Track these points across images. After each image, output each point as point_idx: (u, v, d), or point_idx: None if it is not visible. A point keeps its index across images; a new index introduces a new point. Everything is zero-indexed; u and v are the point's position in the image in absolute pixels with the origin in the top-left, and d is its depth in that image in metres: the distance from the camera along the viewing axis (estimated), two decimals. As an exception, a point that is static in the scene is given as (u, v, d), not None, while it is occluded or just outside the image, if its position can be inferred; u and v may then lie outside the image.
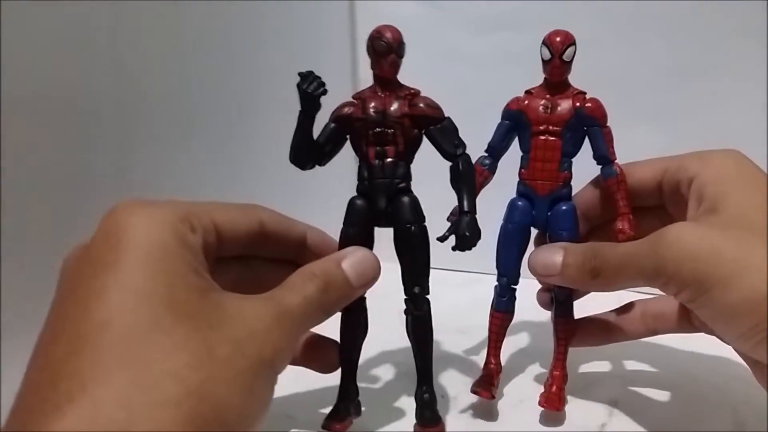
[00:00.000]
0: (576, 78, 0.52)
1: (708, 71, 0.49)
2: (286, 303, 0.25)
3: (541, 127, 0.34)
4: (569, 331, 0.36)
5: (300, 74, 0.30)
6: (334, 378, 0.33)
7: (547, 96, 0.34)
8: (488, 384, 0.35)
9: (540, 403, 0.34)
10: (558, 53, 0.33)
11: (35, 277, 0.32)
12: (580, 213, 0.35)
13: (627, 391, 0.38)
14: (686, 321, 0.35)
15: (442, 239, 0.31)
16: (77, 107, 0.34)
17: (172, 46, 0.40)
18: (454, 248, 0.31)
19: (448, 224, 0.32)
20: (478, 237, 0.31)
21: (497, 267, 0.35)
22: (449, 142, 0.31)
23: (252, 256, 0.31)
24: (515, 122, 0.34)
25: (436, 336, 0.34)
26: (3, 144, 0.30)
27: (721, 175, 0.30)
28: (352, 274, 0.28)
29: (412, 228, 0.31)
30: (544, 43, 0.33)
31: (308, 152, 0.31)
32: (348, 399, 0.32)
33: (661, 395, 0.37)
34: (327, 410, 0.33)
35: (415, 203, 0.32)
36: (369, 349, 0.34)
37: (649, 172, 0.35)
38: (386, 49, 0.31)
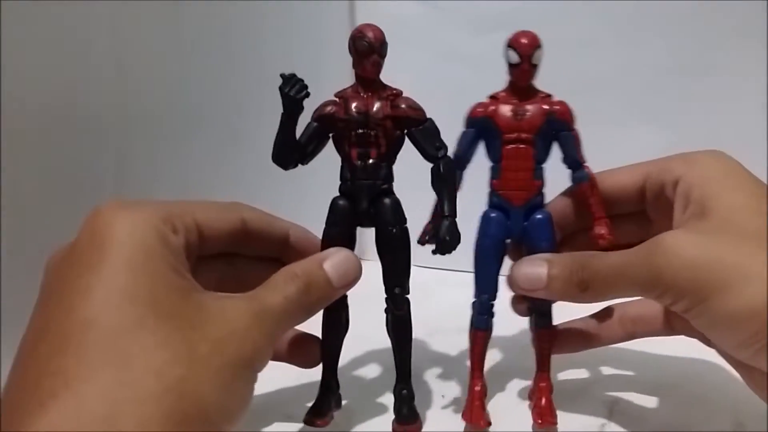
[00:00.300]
0: (576, 78, 0.52)
1: (708, 71, 0.49)
2: (267, 303, 0.26)
3: (513, 135, 0.32)
4: (552, 341, 0.35)
5: (282, 76, 0.30)
6: (316, 370, 0.34)
7: (515, 101, 0.33)
8: (480, 409, 0.34)
9: (535, 420, 0.34)
10: (527, 56, 0.32)
11: (35, 278, 0.32)
12: (554, 222, 0.34)
13: (627, 391, 0.37)
14: (666, 324, 0.35)
15: (421, 242, 0.32)
16: (76, 109, 0.34)
17: (172, 46, 0.40)
18: (434, 252, 0.31)
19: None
20: (458, 241, 0.31)
21: (476, 284, 0.34)
22: (431, 144, 0.31)
23: (235, 254, 0.31)
24: (481, 130, 0.33)
25: (436, 336, 0.34)
26: (3, 145, 0.30)
27: (708, 177, 0.30)
28: (334, 274, 0.29)
29: (394, 230, 0.31)
30: (510, 46, 0.32)
31: (291, 152, 0.31)
32: (329, 393, 0.33)
33: (661, 395, 0.37)
34: (309, 402, 0.33)
35: (397, 205, 0.32)
36: (351, 345, 0.34)
37: (630, 177, 0.34)
38: (368, 49, 0.30)
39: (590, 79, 0.52)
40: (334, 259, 0.29)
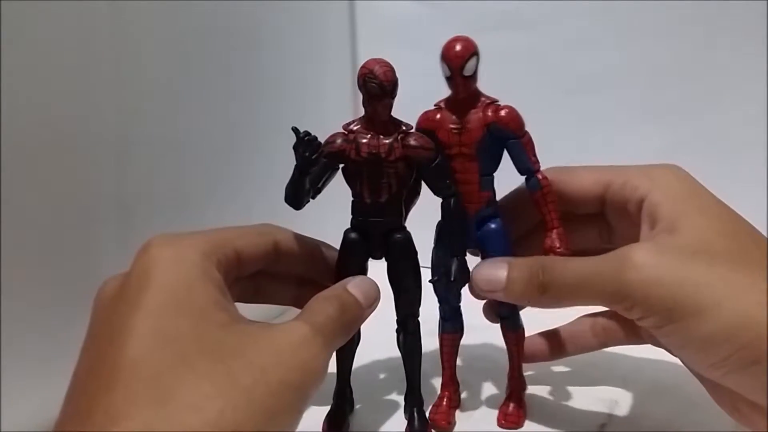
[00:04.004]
0: (577, 78, 0.53)
1: (708, 71, 0.49)
2: (312, 322, 0.26)
3: (454, 151, 0.32)
4: (521, 344, 0.35)
5: (295, 133, 0.29)
6: (331, 378, 0.34)
7: (455, 112, 0.32)
8: (447, 408, 0.34)
9: (498, 420, 0.34)
10: (458, 70, 0.30)
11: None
12: (509, 221, 0.33)
13: (627, 391, 0.38)
14: (634, 334, 0.36)
15: (433, 282, 0.33)
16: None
17: (171, 46, 0.40)
18: (436, 291, 0.33)
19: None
20: (468, 280, 0.32)
21: (436, 294, 0.34)
22: (442, 181, 0.31)
23: (259, 272, 0.32)
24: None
25: (436, 336, 0.35)
26: (3, 154, 0.30)
27: (673, 196, 0.30)
28: (360, 295, 0.30)
29: (405, 266, 0.32)
30: (442, 58, 0.30)
31: (303, 197, 0.31)
32: (344, 402, 0.35)
33: (661, 395, 0.37)
34: (325, 407, 0.34)
35: (408, 241, 0.32)
36: (360, 348, 0.35)
37: (590, 183, 0.34)
38: (380, 93, 0.30)
39: (590, 79, 0.52)
40: (355, 282, 0.30)
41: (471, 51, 0.30)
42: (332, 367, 0.34)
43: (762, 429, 0.27)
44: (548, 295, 0.29)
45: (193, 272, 0.25)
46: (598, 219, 0.35)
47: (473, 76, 0.31)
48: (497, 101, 0.32)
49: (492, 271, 0.31)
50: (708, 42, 0.49)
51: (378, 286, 0.31)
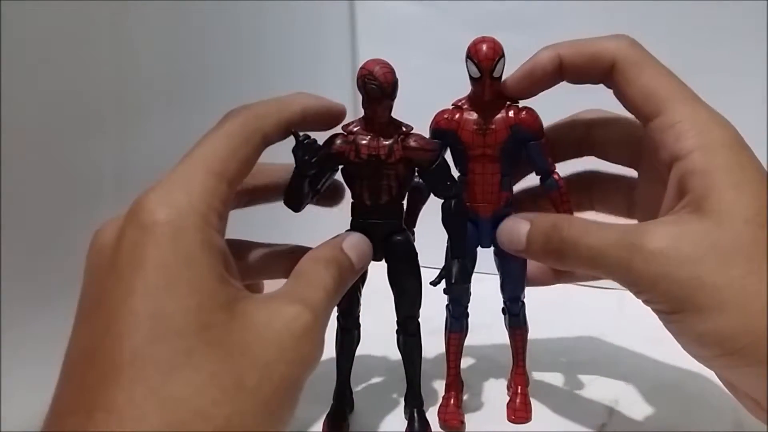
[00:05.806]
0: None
1: (708, 71, 0.49)
2: (311, 302, 0.25)
3: (477, 152, 0.32)
4: (526, 340, 0.36)
5: (295, 136, 0.29)
6: (331, 378, 0.35)
7: (479, 113, 0.32)
8: (455, 407, 0.34)
9: (509, 417, 0.35)
10: (488, 71, 0.30)
11: (35, 272, 0.32)
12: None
13: (627, 391, 0.38)
14: None
15: (434, 284, 0.33)
16: (76, 102, 0.34)
17: (171, 45, 0.40)
18: (445, 291, 0.33)
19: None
20: (468, 281, 0.33)
21: (448, 292, 0.34)
22: (443, 183, 0.31)
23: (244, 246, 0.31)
24: (447, 140, 0.32)
25: (437, 336, 0.35)
26: (2, 140, 0.30)
27: (714, 164, 0.27)
28: (354, 257, 0.29)
29: (405, 267, 0.32)
30: (470, 58, 0.30)
31: (303, 199, 0.31)
32: (344, 402, 0.35)
33: (661, 395, 0.37)
34: (325, 408, 0.35)
35: (408, 242, 0.32)
36: (364, 355, 0.36)
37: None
38: (380, 95, 0.29)
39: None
40: (351, 242, 0.29)
41: (500, 52, 0.30)
42: (332, 366, 0.35)
43: (753, 410, 0.27)
44: (566, 263, 0.29)
45: (193, 243, 0.22)
46: (620, 197, 0.35)
47: (500, 78, 0.31)
48: (517, 102, 0.32)
49: (515, 228, 0.30)
50: (708, 42, 0.49)
51: (371, 246, 0.31)
